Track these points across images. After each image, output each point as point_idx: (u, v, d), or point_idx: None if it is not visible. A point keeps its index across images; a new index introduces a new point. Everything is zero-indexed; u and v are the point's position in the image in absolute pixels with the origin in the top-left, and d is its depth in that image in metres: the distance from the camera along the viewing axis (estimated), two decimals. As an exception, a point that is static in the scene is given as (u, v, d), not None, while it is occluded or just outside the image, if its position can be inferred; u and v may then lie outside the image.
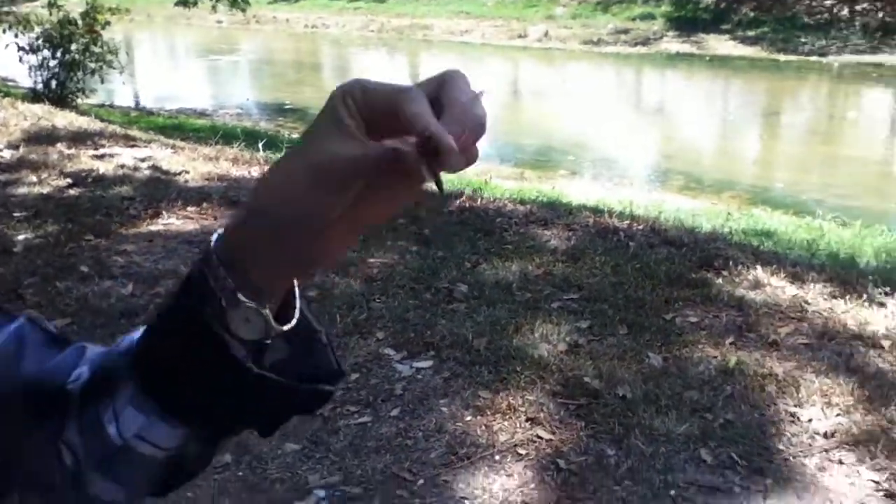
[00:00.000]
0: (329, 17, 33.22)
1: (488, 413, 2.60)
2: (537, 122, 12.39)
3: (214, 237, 0.53)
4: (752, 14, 25.59)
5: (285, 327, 0.55)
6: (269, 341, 0.54)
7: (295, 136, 11.19)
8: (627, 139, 10.78)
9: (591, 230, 4.31)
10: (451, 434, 2.48)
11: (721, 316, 3.27)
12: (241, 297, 0.52)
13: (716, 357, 2.93)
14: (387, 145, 0.48)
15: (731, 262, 3.76)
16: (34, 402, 0.58)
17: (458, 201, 4.94)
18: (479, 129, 0.48)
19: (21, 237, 3.90)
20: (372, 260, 3.90)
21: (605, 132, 11.14)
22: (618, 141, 10.64)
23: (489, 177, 7.43)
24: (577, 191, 7.24)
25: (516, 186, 7.16)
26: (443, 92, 0.49)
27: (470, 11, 30.59)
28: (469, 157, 0.48)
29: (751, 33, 24.43)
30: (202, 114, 13.47)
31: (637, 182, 8.52)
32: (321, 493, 2.17)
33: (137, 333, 0.58)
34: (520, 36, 27.24)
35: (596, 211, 4.96)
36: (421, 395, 2.69)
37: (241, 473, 2.25)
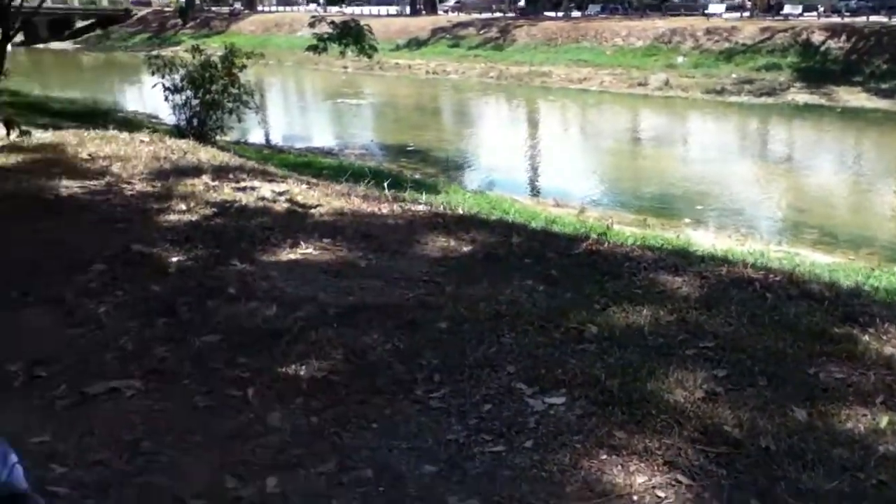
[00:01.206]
0: (449, 63, 34.12)
1: (624, 453, 2.57)
2: (660, 170, 12.25)
3: None
4: (884, 66, 24.58)
5: None
6: None
7: (417, 176, 11.45)
8: (755, 190, 10.51)
9: (724, 279, 4.22)
10: (586, 470, 2.47)
11: (868, 374, 3.12)
12: None
13: (865, 415, 2.80)
14: None
15: (877, 320, 3.59)
16: None
17: (584, 244, 4.95)
18: None
19: (174, 259, 4.17)
20: (500, 297, 3.94)
21: (731, 182, 10.90)
22: (745, 192, 10.38)
23: (610, 222, 7.40)
24: (702, 240, 7.10)
25: (639, 233, 7.09)
26: None
27: (588, 60, 30.73)
28: None
29: (885, 86, 23.44)
30: (329, 153, 14.02)
31: (766, 234, 8.28)
32: (459, 514, 2.20)
33: None
34: (640, 84, 27.11)
35: (727, 261, 4.86)
36: (555, 430, 2.69)
37: (381, 489, 2.32)
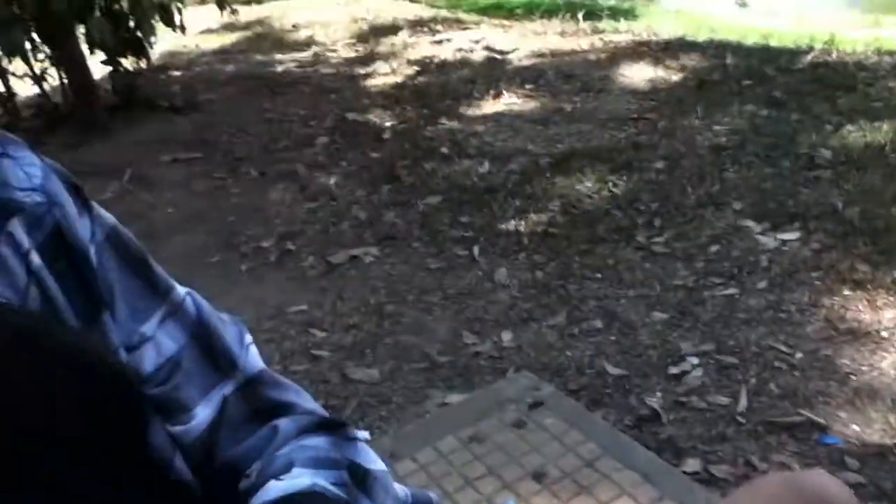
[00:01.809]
0: None
1: (869, 288, 2.44)
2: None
3: None
4: None
5: None
6: None
7: (612, 2, 10.79)
8: None
9: (983, 79, 3.71)
10: (828, 308, 2.38)
11: None
12: None
13: None
14: None
15: None
16: (225, 482, 0.60)
17: (808, 56, 4.52)
18: None
19: (387, 124, 4.32)
20: (718, 127, 3.75)
21: None
22: None
23: (836, 28, 6.62)
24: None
25: (871, 36, 6.30)
26: None
27: None
28: None
29: None
30: (517, -12, 13.50)
31: None
32: (695, 359, 2.23)
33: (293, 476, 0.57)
34: None
35: None
36: (790, 268, 2.60)
37: (613, 338, 2.38)
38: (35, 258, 0.52)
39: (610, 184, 3.35)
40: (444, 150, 3.88)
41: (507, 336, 2.47)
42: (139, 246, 0.61)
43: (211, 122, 4.62)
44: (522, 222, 3.13)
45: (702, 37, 5.61)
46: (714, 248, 2.79)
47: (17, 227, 0.51)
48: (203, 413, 0.61)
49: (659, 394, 2.11)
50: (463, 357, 2.41)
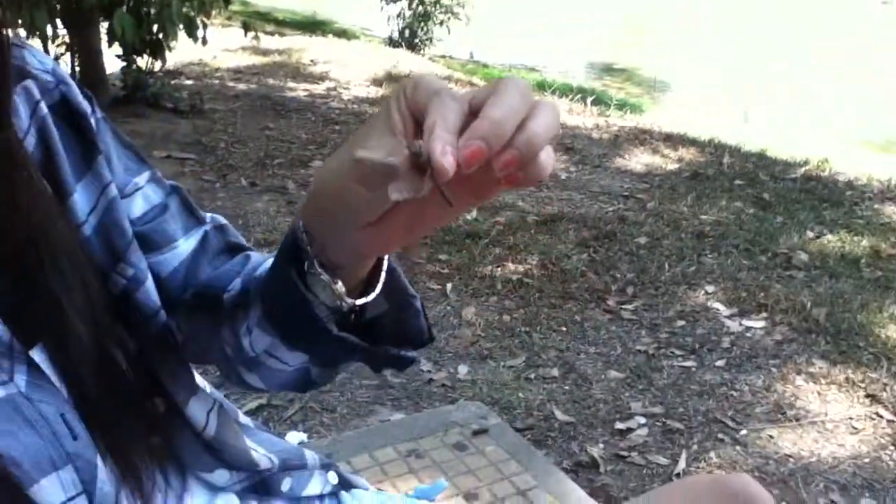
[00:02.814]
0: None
1: (822, 382, 2.47)
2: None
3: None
4: None
5: (359, 301, 0.56)
6: (345, 307, 0.55)
7: (622, 95, 11.10)
8: None
9: (963, 213, 3.82)
10: (779, 394, 2.40)
11: None
12: (316, 267, 0.53)
13: None
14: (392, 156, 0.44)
15: None
16: (204, 301, 0.67)
17: (802, 169, 4.65)
18: (525, 146, 0.42)
19: (384, 160, 4.38)
20: (704, 217, 3.82)
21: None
22: None
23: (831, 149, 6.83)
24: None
25: (864, 165, 6.50)
26: (487, 102, 0.43)
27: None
28: (513, 177, 0.42)
29: None
30: (532, 69, 13.85)
31: None
32: (642, 419, 2.23)
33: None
34: None
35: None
36: (749, 353, 2.63)
37: (567, 387, 2.39)
38: (43, 108, 0.60)
39: (591, 249, 3.39)
40: (436, 193, 3.93)
41: (463, 369, 2.47)
42: None
43: (211, 129, 4.67)
44: (499, 269, 3.15)
45: (705, 136, 5.76)
46: (680, 322, 2.82)
47: (32, 84, 0.60)
48: (186, 244, 0.70)
49: (601, 445, 2.11)
50: (416, 382, 2.40)
